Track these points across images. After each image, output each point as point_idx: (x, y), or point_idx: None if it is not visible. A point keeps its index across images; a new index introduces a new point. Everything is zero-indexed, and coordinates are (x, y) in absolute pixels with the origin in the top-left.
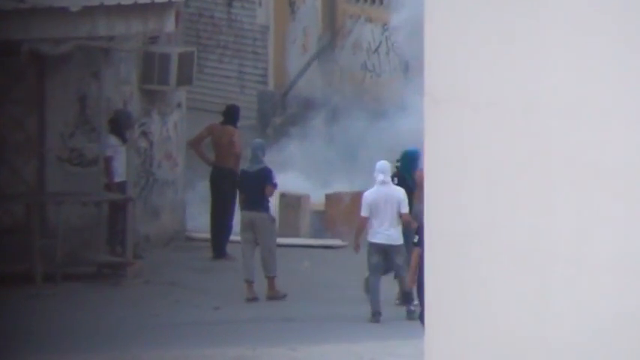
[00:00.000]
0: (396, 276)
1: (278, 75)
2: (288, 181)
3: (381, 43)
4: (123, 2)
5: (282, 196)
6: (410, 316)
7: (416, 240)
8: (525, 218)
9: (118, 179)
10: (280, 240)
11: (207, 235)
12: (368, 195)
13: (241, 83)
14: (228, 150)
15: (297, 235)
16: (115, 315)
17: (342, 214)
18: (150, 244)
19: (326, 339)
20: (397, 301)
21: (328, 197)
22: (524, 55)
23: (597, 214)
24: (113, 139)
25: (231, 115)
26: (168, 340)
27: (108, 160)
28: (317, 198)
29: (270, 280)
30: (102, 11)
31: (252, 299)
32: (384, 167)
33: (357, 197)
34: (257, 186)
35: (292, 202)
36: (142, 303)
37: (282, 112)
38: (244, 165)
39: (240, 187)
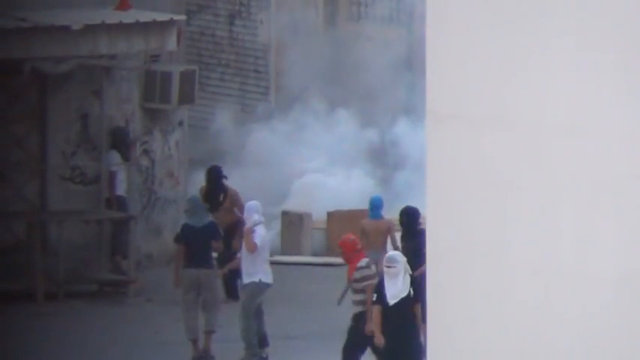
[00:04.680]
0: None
1: (280, 93)
2: (289, 200)
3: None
4: (124, 21)
5: (285, 214)
6: None
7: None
8: (527, 234)
9: (119, 193)
10: (282, 258)
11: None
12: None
13: (243, 101)
14: None
15: (298, 253)
16: (117, 333)
17: (344, 232)
18: (152, 262)
19: (328, 355)
20: None
21: (330, 215)
22: (527, 74)
23: (598, 230)
24: (116, 156)
25: None
26: (170, 358)
27: (113, 175)
28: (319, 216)
29: (209, 334)
30: (103, 29)
31: (200, 358)
32: (258, 207)
33: (359, 215)
34: (203, 241)
35: (294, 220)
36: (143, 321)
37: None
38: (186, 219)
39: (184, 242)
